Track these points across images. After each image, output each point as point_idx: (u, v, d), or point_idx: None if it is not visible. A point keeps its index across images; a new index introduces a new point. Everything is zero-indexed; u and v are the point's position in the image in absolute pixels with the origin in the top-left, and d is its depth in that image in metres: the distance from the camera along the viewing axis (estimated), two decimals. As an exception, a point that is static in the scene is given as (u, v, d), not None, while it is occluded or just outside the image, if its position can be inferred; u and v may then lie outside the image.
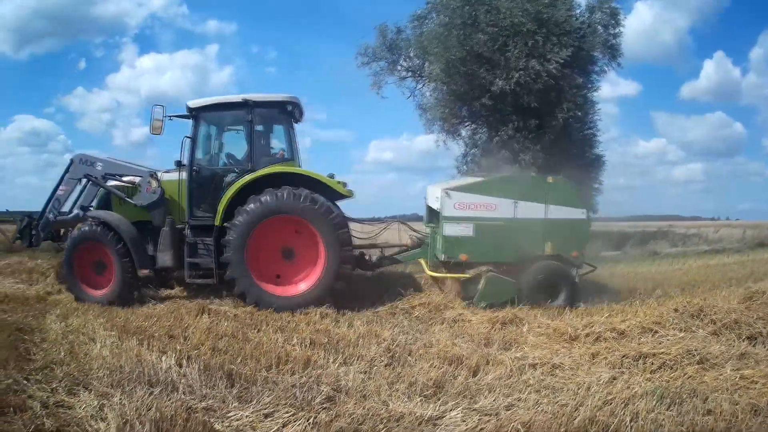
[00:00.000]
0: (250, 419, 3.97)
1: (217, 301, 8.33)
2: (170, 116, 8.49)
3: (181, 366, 4.87)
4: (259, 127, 8.94)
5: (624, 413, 4.04)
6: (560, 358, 5.43)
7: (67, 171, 8.94)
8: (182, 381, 4.53)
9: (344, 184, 8.92)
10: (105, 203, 9.06)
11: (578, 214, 8.57)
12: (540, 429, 3.86)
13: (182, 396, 4.26)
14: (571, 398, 4.39)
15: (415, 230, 9.97)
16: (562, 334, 6.04)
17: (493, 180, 8.88)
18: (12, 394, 4.38)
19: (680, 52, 73.60)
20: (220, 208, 8.14)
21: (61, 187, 8.96)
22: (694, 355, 5.25)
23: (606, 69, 20.93)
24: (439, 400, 4.34)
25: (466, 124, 21.63)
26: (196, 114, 8.61)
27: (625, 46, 20.33)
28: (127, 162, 9.20)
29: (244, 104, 8.42)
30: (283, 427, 3.90)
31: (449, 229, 8.41)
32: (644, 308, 6.85)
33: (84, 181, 8.93)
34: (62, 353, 5.48)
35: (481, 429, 3.93)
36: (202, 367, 4.82)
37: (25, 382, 4.63)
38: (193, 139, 8.51)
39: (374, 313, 7.42)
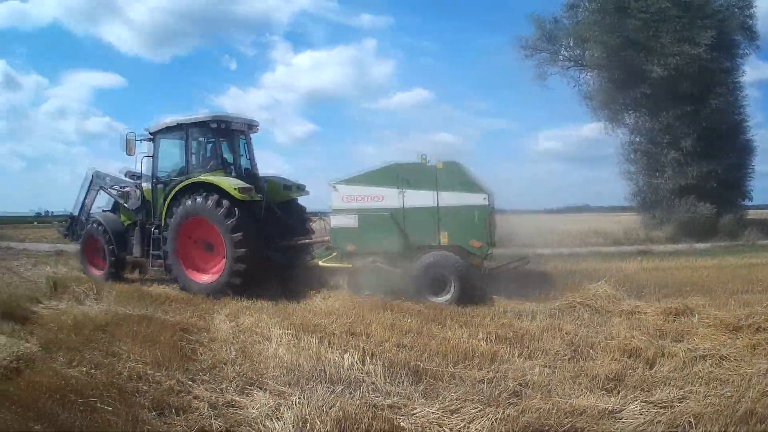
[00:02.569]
0: (436, 416, 3.96)
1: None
2: (140, 139, 10.38)
3: (364, 363, 4.91)
4: (212, 141, 10.39)
5: (780, 405, 3.99)
6: (726, 350, 5.31)
7: (90, 184, 11.85)
8: (366, 379, 4.58)
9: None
10: (114, 208, 11.62)
11: (477, 199, 8.10)
12: (708, 422, 3.81)
13: (365, 394, 4.29)
14: (735, 390, 4.34)
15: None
16: (727, 324, 5.86)
17: (378, 170, 8.69)
18: (174, 394, 4.40)
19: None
20: (163, 212, 9.83)
21: (86, 196, 11.94)
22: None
23: (747, 52, 21.86)
24: (618, 393, 4.33)
25: (630, 111, 22.43)
26: (153, 136, 10.46)
27: (760, 26, 21.49)
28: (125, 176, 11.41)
29: (179, 126, 10.11)
30: (470, 423, 3.84)
31: (335, 221, 8.74)
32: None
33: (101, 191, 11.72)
34: (233, 353, 5.51)
35: (657, 422, 3.90)
36: (387, 364, 4.85)
37: (190, 383, 4.64)
38: (153, 157, 10.42)
39: (554, 306, 7.51)
